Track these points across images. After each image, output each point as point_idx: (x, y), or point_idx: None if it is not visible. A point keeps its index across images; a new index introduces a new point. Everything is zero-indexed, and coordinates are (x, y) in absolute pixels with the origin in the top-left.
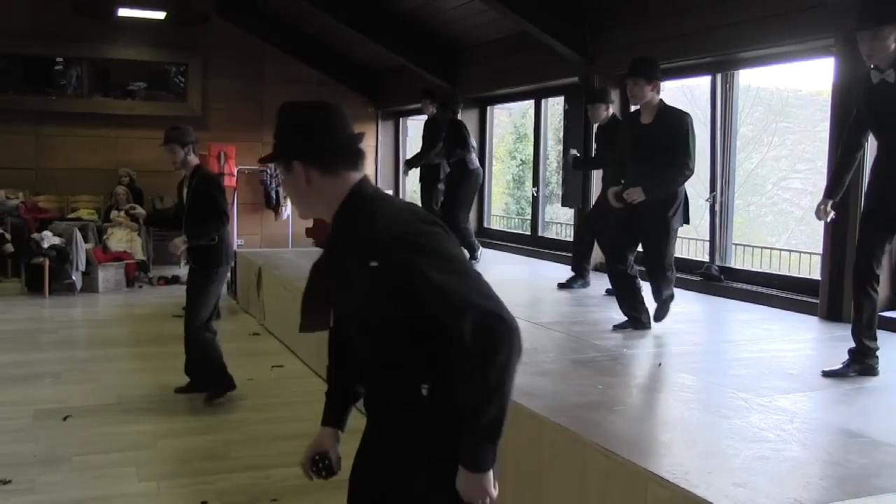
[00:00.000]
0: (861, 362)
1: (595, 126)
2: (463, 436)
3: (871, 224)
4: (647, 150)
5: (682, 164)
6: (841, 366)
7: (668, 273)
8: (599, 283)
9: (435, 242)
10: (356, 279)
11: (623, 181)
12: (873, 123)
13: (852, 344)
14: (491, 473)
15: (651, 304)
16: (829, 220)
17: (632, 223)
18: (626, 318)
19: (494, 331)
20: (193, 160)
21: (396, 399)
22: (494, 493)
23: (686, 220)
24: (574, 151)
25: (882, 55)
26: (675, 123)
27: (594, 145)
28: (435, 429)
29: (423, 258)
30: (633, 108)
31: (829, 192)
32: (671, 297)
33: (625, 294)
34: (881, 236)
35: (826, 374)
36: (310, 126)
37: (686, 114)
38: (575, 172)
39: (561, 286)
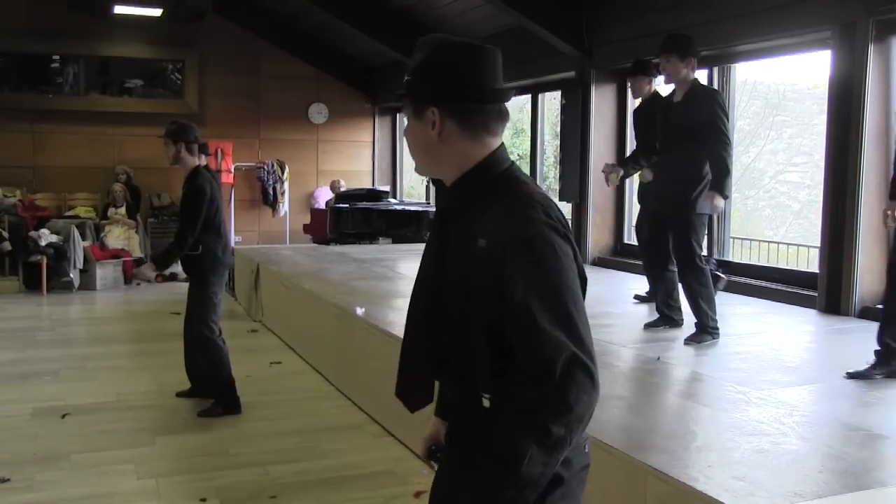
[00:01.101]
0: (888, 364)
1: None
2: (485, 481)
3: None
4: (675, 130)
5: (722, 140)
6: (866, 367)
7: (698, 263)
8: (595, 277)
9: (553, 256)
10: (464, 257)
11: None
12: None
13: (859, 339)
14: None
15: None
16: None
17: (663, 217)
18: (658, 316)
19: (576, 382)
20: (190, 161)
21: (461, 403)
22: None
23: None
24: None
25: None
26: (705, 101)
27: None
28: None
29: (531, 269)
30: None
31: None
32: (714, 322)
33: (662, 291)
34: None
35: (850, 375)
36: (461, 70)
37: (716, 91)
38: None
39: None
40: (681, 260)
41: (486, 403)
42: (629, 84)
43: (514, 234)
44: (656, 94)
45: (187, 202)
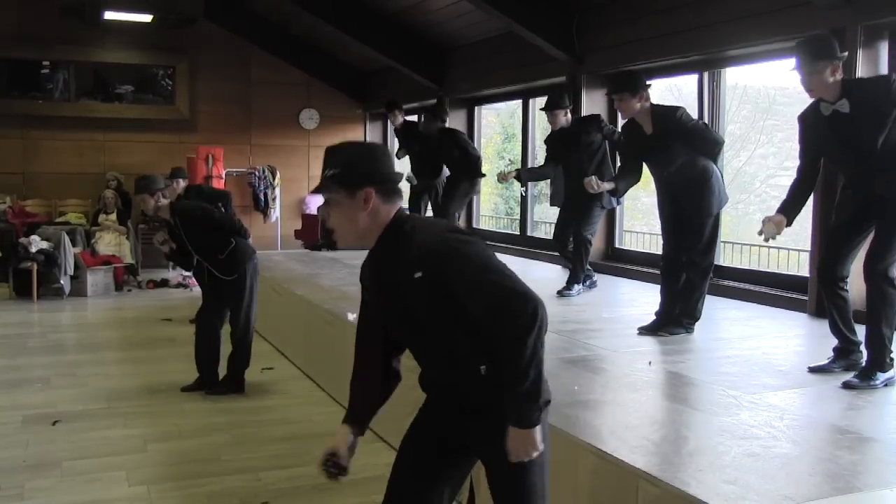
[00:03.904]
0: (846, 358)
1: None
2: (509, 401)
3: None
4: (664, 157)
5: (710, 149)
6: (826, 361)
7: (707, 267)
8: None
9: (462, 248)
10: (406, 290)
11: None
12: (829, 152)
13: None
14: (538, 430)
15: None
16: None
17: (676, 219)
18: (658, 321)
19: (520, 309)
20: (164, 201)
21: (459, 379)
22: (541, 447)
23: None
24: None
25: (822, 89)
26: (678, 122)
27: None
28: (494, 396)
29: (454, 263)
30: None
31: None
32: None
33: (673, 294)
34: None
35: (812, 369)
36: (379, 159)
37: (677, 108)
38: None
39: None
40: (700, 262)
41: (483, 371)
42: (547, 117)
43: (435, 253)
44: (577, 119)
45: (198, 215)
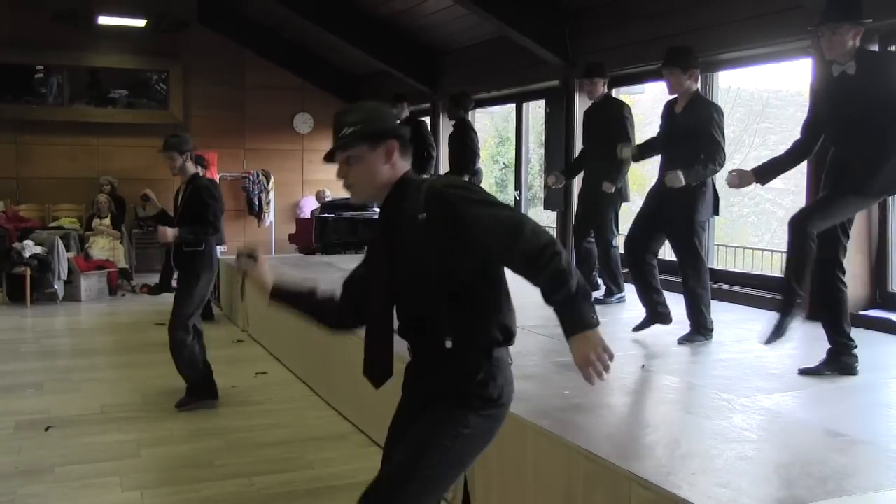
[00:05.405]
0: (838, 360)
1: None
2: (564, 313)
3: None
4: (677, 138)
5: (708, 157)
6: (818, 364)
7: (702, 268)
8: None
9: (471, 189)
10: (409, 239)
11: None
12: (827, 114)
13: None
14: (599, 332)
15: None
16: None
17: (657, 215)
18: (646, 317)
19: (545, 235)
20: (191, 168)
21: (425, 349)
22: (604, 352)
23: (716, 212)
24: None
25: (840, 50)
26: (703, 114)
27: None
28: (454, 375)
29: (466, 201)
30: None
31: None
32: (709, 325)
33: (644, 287)
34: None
35: (802, 371)
36: (392, 114)
37: (715, 105)
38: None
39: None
40: (686, 265)
41: (449, 345)
42: (585, 87)
43: (439, 192)
44: (608, 96)
45: (205, 202)
